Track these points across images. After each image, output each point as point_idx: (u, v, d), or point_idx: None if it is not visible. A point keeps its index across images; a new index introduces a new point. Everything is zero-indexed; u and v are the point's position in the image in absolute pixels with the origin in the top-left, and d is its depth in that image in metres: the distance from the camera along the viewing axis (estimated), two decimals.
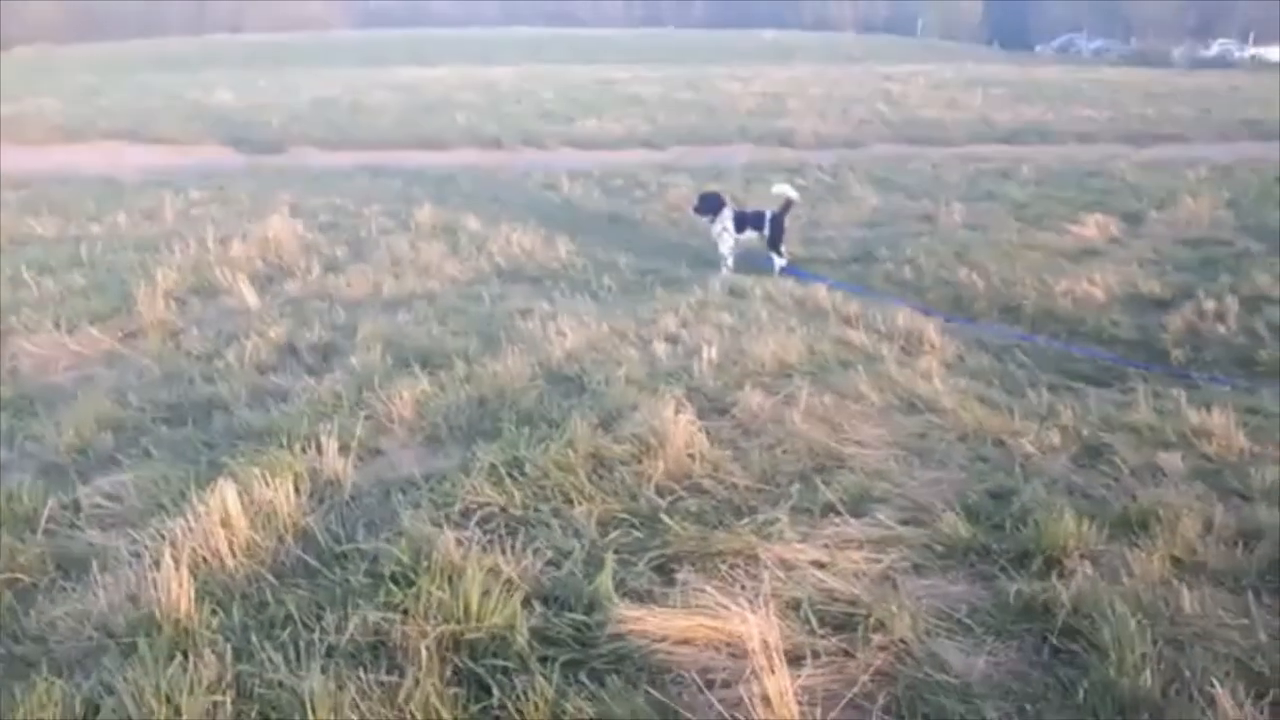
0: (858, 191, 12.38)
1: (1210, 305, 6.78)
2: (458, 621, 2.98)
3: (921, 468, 4.21)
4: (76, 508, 3.85)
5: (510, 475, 3.96)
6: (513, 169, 14.49)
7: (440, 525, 3.57)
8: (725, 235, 8.52)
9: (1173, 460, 4.20)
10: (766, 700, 2.63)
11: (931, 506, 3.80)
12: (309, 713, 2.62)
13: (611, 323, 6.16)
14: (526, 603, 3.11)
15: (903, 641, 2.97)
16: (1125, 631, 2.89)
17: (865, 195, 12.16)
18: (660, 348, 5.69)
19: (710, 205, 8.65)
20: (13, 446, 4.54)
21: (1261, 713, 2.64)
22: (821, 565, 3.38)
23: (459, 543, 3.40)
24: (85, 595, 3.24)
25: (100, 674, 2.82)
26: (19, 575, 3.37)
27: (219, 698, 2.68)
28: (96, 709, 2.67)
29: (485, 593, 3.07)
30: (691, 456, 4.19)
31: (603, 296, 7.26)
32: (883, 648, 2.95)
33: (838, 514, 3.74)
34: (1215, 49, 47.90)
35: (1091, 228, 9.60)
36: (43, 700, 2.67)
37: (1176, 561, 3.40)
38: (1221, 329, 6.47)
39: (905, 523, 3.69)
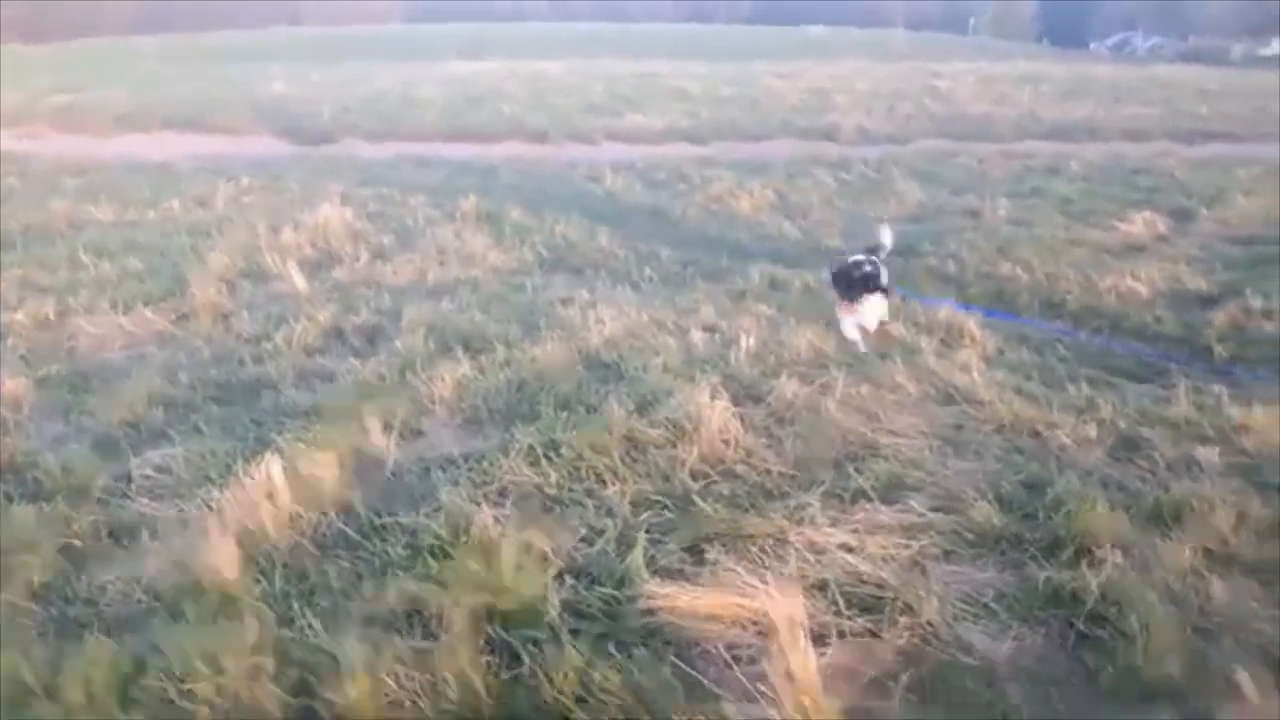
0: (901, 186, 12.26)
1: (1257, 303, 6.66)
2: (492, 593, 3.06)
3: (956, 457, 4.22)
4: (128, 479, 4.00)
5: (547, 456, 4.05)
6: (557, 161, 14.54)
7: (478, 503, 3.67)
8: (849, 320, 5.65)
9: (1210, 455, 4.16)
10: (790, 676, 2.68)
11: (964, 495, 3.81)
12: (346, 675, 2.72)
13: (651, 312, 6.21)
14: (559, 577, 3.20)
15: (929, 624, 3.01)
16: (1153, 619, 2.90)
17: (909, 190, 12.04)
18: (698, 336, 5.73)
19: (858, 287, 5.58)
20: (69, 420, 4.70)
21: None
22: (850, 549, 3.42)
23: (496, 519, 3.50)
24: (135, 561, 3.38)
25: (148, 635, 2.94)
26: (73, 541, 3.51)
27: (260, 659, 2.78)
28: (143, 666, 2.79)
29: (519, 567, 3.16)
30: (726, 442, 4.23)
31: (643, 287, 7.30)
32: (909, 629, 2.99)
33: (869, 500, 3.77)
34: (1276, 47, 46.70)
35: (1139, 224, 9.44)
36: (93, 657, 2.79)
37: (1209, 553, 3.39)
38: (1269, 326, 6.35)
39: (937, 510, 3.71)
